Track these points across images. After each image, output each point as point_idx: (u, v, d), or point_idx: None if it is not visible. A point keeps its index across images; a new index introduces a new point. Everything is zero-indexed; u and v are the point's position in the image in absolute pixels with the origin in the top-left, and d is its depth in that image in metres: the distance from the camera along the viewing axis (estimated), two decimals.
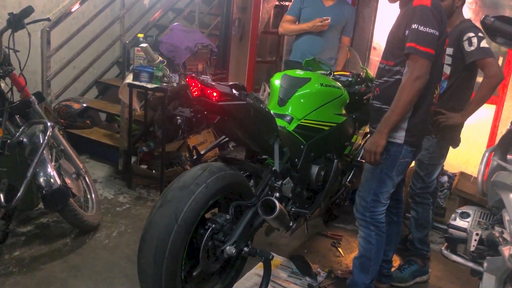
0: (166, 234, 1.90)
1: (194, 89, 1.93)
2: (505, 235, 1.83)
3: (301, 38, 3.89)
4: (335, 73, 3.10)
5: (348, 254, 3.16)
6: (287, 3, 6.93)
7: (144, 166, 4.03)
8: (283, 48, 7.27)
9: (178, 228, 1.91)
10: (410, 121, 2.25)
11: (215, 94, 1.92)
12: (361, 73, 3.12)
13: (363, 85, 3.04)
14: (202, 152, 2.47)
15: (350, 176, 3.08)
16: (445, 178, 3.76)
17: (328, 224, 3.45)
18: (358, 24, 4.13)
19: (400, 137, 2.27)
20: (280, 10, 6.65)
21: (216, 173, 2.09)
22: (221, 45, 5.16)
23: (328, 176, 2.73)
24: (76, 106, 4.55)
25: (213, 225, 2.12)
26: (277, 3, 6.23)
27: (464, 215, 2.11)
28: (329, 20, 3.70)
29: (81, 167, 3.16)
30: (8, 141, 2.64)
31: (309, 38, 3.81)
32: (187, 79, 1.92)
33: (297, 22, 3.90)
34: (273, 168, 2.27)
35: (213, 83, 1.94)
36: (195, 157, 2.46)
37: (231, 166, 2.25)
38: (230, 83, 2.15)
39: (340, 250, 3.21)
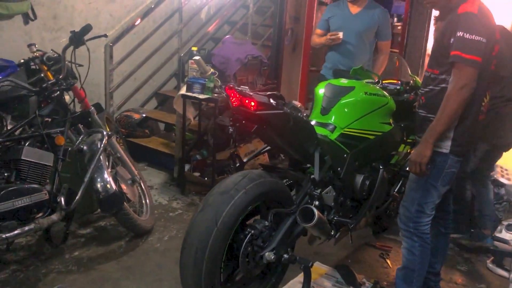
0: (206, 236, 1.98)
1: (233, 99, 2.01)
2: None
3: (331, 49, 3.89)
4: (383, 82, 3.07)
5: (396, 266, 3.07)
6: None
7: (197, 174, 4.17)
8: None
9: (217, 231, 1.99)
10: (456, 130, 2.19)
11: (252, 103, 1.98)
12: (411, 81, 3.07)
13: (412, 93, 2.98)
14: (244, 160, 2.54)
15: (398, 186, 3.02)
16: (503, 191, 3.57)
17: (377, 235, 3.39)
18: (411, 31, 4.04)
19: (446, 146, 2.21)
20: None
21: (256, 180, 2.15)
22: (273, 56, 5.24)
23: (373, 186, 2.69)
24: (136, 116, 4.80)
25: (252, 231, 2.18)
26: None
27: (510, 227, 2.01)
28: (340, 35, 3.66)
29: (136, 174, 3.33)
30: (70, 148, 2.85)
31: (339, 48, 3.79)
32: (226, 90, 2.00)
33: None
34: (312, 176, 2.29)
35: (251, 93, 2.01)
36: (238, 164, 2.52)
37: (271, 173, 2.31)
38: (269, 93, 2.21)
39: (388, 261, 3.14)
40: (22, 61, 3.51)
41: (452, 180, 2.30)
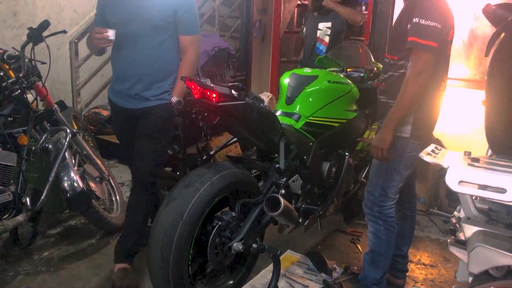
0: (172, 230, 1.98)
1: (195, 91, 2.00)
2: None
3: None
4: (347, 69, 3.10)
5: None
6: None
7: (169, 169, 4.14)
8: None
9: (183, 224, 1.99)
10: (416, 114, 2.24)
11: (214, 95, 1.98)
12: (374, 68, 3.11)
13: (375, 80, 3.02)
14: (211, 153, 2.54)
15: (366, 172, 3.07)
16: None
17: (349, 221, 3.44)
18: (376, 19, 4.09)
19: (406, 131, 2.25)
20: (303, 9, 6.66)
21: (221, 171, 2.15)
22: (242, 48, 5.23)
23: (340, 172, 2.74)
24: (104, 113, 4.72)
25: (220, 222, 2.18)
26: (299, 2, 6.25)
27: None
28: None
29: (105, 171, 3.30)
30: (33, 148, 2.80)
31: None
32: (186, 82, 1.99)
33: None
34: (277, 166, 2.31)
35: (212, 85, 2.00)
36: (205, 157, 2.52)
37: (238, 165, 2.31)
38: (230, 84, 2.21)
39: (359, 246, 3.20)
40: None
41: (414, 164, 2.35)
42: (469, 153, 0.97)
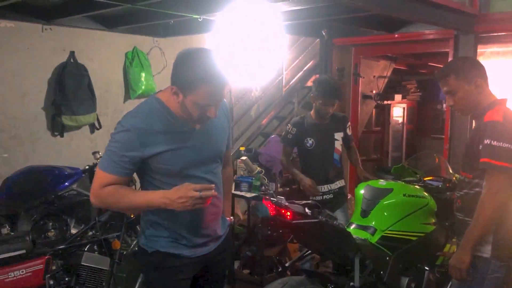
0: None
1: (271, 209, 2.14)
2: None
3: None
4: (425, 179, 3.10)
5: None
6: (389, 102, 7.10)
7: (247, 271, 4.22)
8: (388, 145, 7.34)
9: None
10: (496, 234, 2.17)
11: (288, 213, 2.10)
12: (453, 178, 3.07)
13: (454, 191, 2.98)
14: (286, 265, 2.60)
15: (449, 287, 2.92)
16: None
17: None
18: (455, 124, 4.10)
19: (486, 251, 2.18)
20: (381, 110, 6.82)
21: (296, 287, 2.20)
22: None
23: None
24: None
25: None
26: (376, 103, 6.42)
27: None
28: None
29: None
30: (125, 252, 3.05)
31: None
32: (263, 201, 2.14)
33: None
34: (351, 284, 2.30)
35: (287, 203, 2.13)
36: (280, 269, 2.59)
37: (312, 279, 2.35)
38: (304, 202, 2.32)
39: None
40: (87, 167, 3.90)
41: (497, 285, 2.23)
42: None
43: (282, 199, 2.15)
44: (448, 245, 2.86)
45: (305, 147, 3.50)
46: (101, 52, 4.60)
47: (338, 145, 3.59)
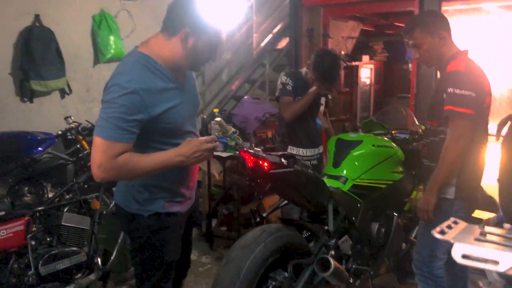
0: None
1: (248, 161, 2.22)
2: None
3: None
4: (392, 132, 3.25)
5: None
6: (357, 63, 7.22)
7: (224, 228, 4.35)
8: (356, 105, 7.51)
9: (240, 284, 2.14)
10: (459, 177, 2.33)
11: (265, 164, 2.19)
12: (419, 130, 3.23)
13: (420, 142, 3.14)
14: (264, 215, 2.72)
15: (415, 232, 3.12)
16: None
17: (402, 281, 3.45)
18: (420, 81, 4.25)
19: (450, 193, 2.35)
20: (349, 72, 6.94)
21: (274, 233, 2.32)
22: None
23: (389, 233, 2.82)
24: None
25: (274, 283, 2.32)
26: (345, 64, 6.52)
27: None
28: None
29: None
30: (104, 212, 3.11)
31: None
32: (241, 153, 2.22)
33: None
34: (326, 228, 2.44)
35: (264, 154, 2.22)
36: (258, 219, 2.71)
37: (289, 226, 2.48)
38: (280, 153, 2.42)
39: None
40: (60, 132, 3.87)
41: None
42: (483, 226, 1.10)
43: (259, 151, 2.23)
44: (414, 192, 3.04)
45: None
46: (67, 15, 4.50)
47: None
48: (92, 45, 4.70)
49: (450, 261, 2.48)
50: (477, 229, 1.11)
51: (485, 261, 0.99)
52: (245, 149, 2.22)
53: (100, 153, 1.67)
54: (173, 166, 1.78)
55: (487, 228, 1.10)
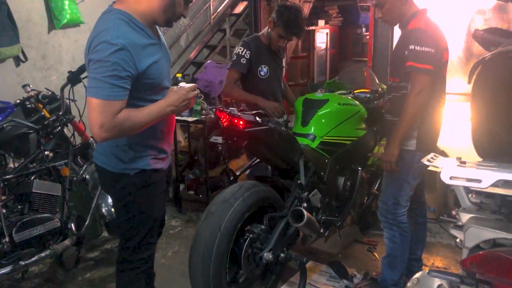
0: (211, 240, 2.24)
1: (224, 120, 2.29)
2: None
3: None
4: (354, 92, 3.39)
5: None
6: (313, 28, 7.31)
7: (191, 192, 4.43)
8: (313, 70, 7.65)
9: (221, 235, 2.25)
10: (420, 129, 2.50)
11: (241, 122, 2.27)
12: (379, 89, 3.39)
13: (381, 100, 3.30)
14: (237, 174, 2.81)
15: (377, 184, 3.33)
16: None
17: (364, 232, 3.68)
18: (377, 41, 4.40)
19: (412, 144, 2.52)
20: (306, 36, 7.02)
21: (251, 189, 2.43)
22: None
23: (354, 185, 3.00)
24: None
25: (251, 235, 2.44)
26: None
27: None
28: None
29: None
30: (74, 178, 3.10)
31: None
32: (216, 112, 2.28)
33: None
34: (299, 182, 2.57)
35: (239, 113, 2.29)
36: (232, 178, 2.80)
37: (264, 183, 2.59)
38: (254, 112, 2.50)
39: (375, 254, 3.43)
40: (18, 101, 3.74)
41: (421, 174, 2.61)
42: (460, 158, 1.26)
43: (234, 110, 2.30)
44: (376, 147, 3.21)
45: (259, 75, 3.23)
46: None
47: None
48: (46, 10, 4.51)
49: (411, 208, 2.69)
50: (455, 160, 1.25)
51: (470, 180, 1.15)
52: (220, 108, 2.28)
53: (100, 113, 1.69)
54: (165, 116, 1.86)
55: (463, 159, 1.25)
